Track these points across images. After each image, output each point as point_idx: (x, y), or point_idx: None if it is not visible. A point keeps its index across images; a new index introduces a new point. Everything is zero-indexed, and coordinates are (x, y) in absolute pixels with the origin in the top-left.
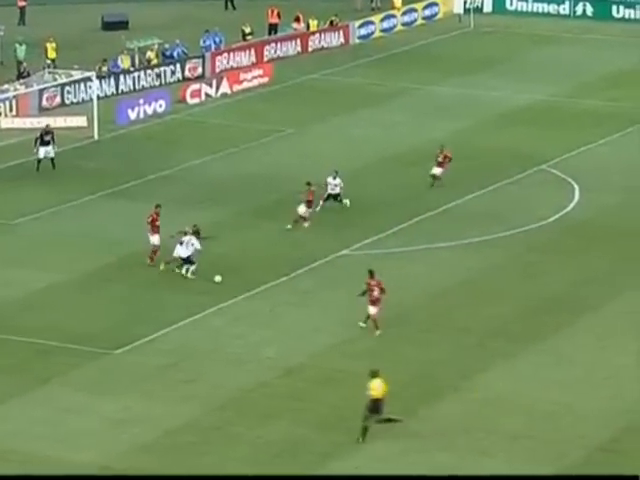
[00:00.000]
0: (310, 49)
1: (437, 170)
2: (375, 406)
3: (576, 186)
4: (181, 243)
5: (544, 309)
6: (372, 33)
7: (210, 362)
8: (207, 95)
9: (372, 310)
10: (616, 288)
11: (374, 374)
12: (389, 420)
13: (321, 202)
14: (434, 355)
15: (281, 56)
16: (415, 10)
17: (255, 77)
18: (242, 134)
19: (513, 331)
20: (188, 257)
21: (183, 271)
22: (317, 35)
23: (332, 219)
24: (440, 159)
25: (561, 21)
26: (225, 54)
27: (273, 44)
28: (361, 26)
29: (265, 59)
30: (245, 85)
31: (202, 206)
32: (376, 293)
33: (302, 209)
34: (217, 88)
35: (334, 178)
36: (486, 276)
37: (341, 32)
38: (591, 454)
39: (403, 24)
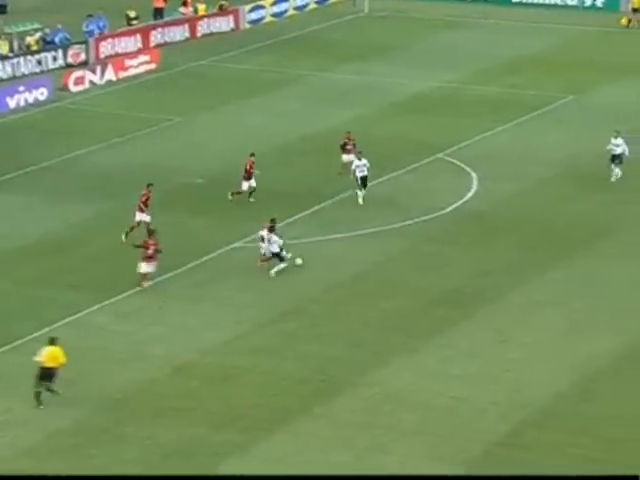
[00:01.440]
0: (199, 34)
1: (345, 157)
2: (44, 374)
3: (474, 175)
4: (262, 240)
5: (443, 302)
6: (263, 18)
7: (96, 361)
8: (91, 82)
9: (144, 268)
10: (514, 279)
11: (52, 341)
12: (52, 391)
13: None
14: (331, 350)
15: (168, 42)
16: None
17: (141, 63)
18: (128, 123)
19: (411, 325)
20: (277, 253)
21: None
22: (206, 20)
23: (224, 210)
24: (349, 146)
25: (458, 6)
26: (110, 40)
27: (160, 29)
28: (251, 10)
29: (152, 45)
30: (131, 72)
31: (87, 198)
32: (150, 251)
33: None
34: (102, 75)
35: (359, 159)
36: (384, 268)
37: (231, 17)
38: (490, 449)
39: (295, 8)
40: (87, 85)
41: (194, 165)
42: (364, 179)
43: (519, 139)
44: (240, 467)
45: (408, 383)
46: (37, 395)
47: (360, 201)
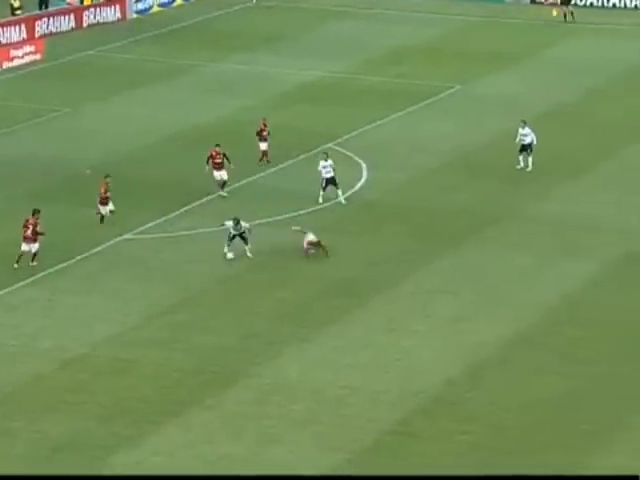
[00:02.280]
0: (85, 24)
1: (263, 145)
2: None
3: (363, 164)
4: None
5: (335, 291)
6: (150, 7)
7: None
8: None
9: (25, 247)
10: (405, 268)
11: None
12: None
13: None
14: (222, 341)
15: (54, 32)
16: None
17: (27, 54)
18: (14, 114)
19: (303, 315)
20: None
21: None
22: (92, 9)
23: (114, 202)
24: (265, 133)
25: None
26: None
27: (45, 19)
28: (138, 0)
29: (37, 35)
30: (16, 62)
31: None
32: (29, 232)
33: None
34: None
35: (326, 160)
36: (274, 258)
37: (117, 6)
38: (381, 437)
39: None
40: None
41: (82, 156)
42: (332, 179)
43: (407, 129)
44: (130, 460)
45: (299, 373)
46: None
47: (342, 200)
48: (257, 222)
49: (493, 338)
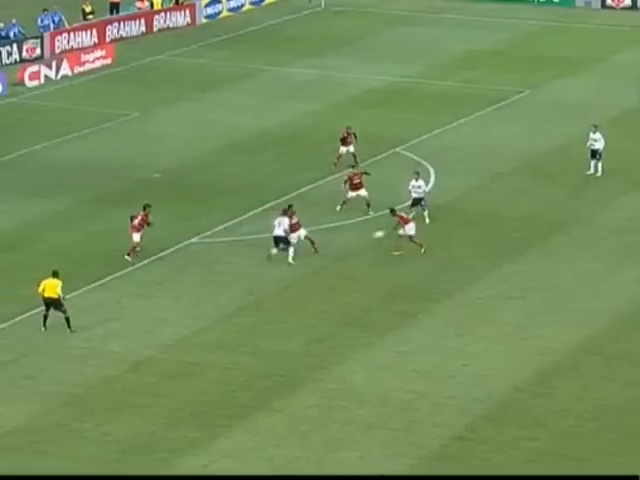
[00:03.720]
0: (155, 29)
1: (343, 149)
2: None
3: (431, 169)
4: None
5: (401, 296)
6: (219, 12)
7: (53, 357)
8: (47, 77)
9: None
10: (472, 274)
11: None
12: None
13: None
14: (288, 346)
15: (124, 36)
16: None
17: (97, 58)
18: (84, 118)
19: (369, 319)
20: (281, 237)
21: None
22: (162, 14)
23: (182, 206)
24: (350, 139)
25: (413, 1)
26: (65, 34)
27: (115, 24)
28: (208, 5)
29: (107, 39)
30: (87, 67)
31: (43, 194)
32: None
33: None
34: (57, 70)
35: (416, 180)
36: (343, 262)
37: (187, 11)
38: (448, 443)
39: (251, 3)
40: (42, 80)
41: (151, 160)
42: (419, 200)
43: (476, 133)
44: (198, 463)
45: (365, 378)
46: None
47: (427, 220)
48: (324, 226)
49: (561, 344)
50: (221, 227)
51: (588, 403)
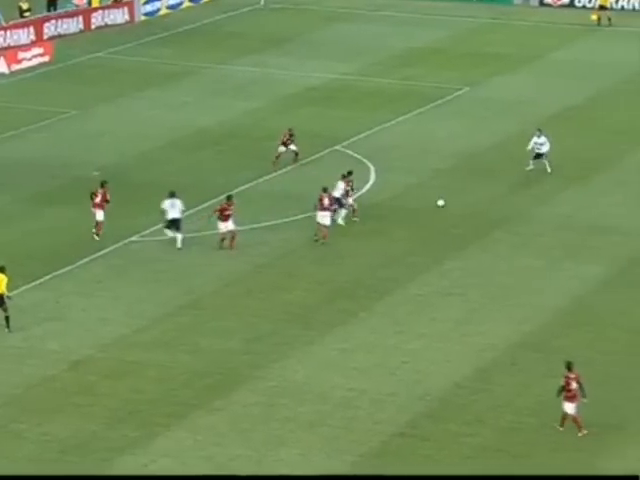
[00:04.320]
0: (93, 26)
1: (282, 148)
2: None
3: (371, 167)
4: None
5: (341, 294)
6: (158, 10)
7: None
8: None
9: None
10: (412, 270)
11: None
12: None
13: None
14: (229, 344)
15: (62, 34)
16: None
17: (35, 56)
18: (22, 116)
19: (310, 317)
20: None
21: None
22: (100, 12)
23: (122, 204)
24: (288, 142)
25: None
26: (1, 32)
27: (53, 21)
28: (147, 2)
29: (45, 37)
30: (24, 65)
31: None
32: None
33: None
34: None
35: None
36: (281, 261)
37: (126, 8)
38: (389, 440)
39: (190, 0)
40: None
41: (90, 158)
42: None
43: (415, 131)
44: (138, 463)
45: (306, 376)
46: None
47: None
48: (264, 224)
49: (501, 341)
50: (161, 225)
51: (527, 399)
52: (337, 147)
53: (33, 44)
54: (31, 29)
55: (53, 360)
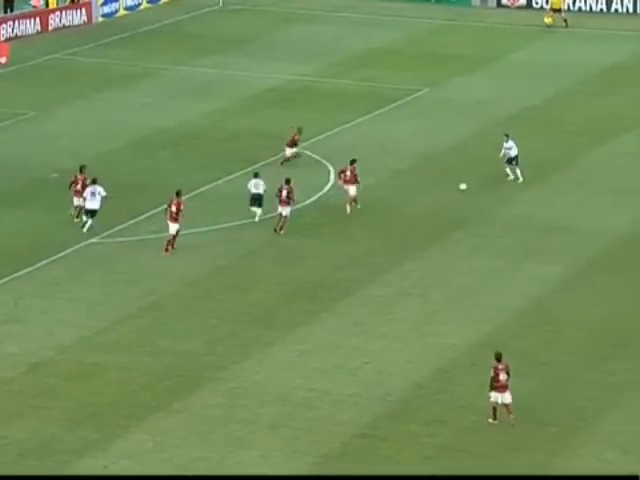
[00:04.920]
0: (51, 27)
1: (289, 151)
2: None
3: (331, 168)
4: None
5: (302, 295)
6: (116, 11)
7: None
8: None
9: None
10: (372, 271)
11: None
12: None
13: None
14: (189, 345)
15: (19, 35)
16: None
17: None
18: None
19: (270, 318)
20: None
21: None
22: (57, 13)
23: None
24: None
25: None
26: None
27: (10, 22)
28: (104, 4)
29: (2, 38)
30: None
31: None
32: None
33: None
34: None
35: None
36: (241, 262)
37: (83, 10)
38: (349, 441)
39: (149, 1)
40: None
41: (49, 159)
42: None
43: (375, 132)
44: (97, 464)
45: (266, 377)
46: None
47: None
48: (223, 226)
49: (461, 341)
50: (119, 227)
51: (487, 399)
52: (296, 148)
53: None
54: None
55: (11, 362)
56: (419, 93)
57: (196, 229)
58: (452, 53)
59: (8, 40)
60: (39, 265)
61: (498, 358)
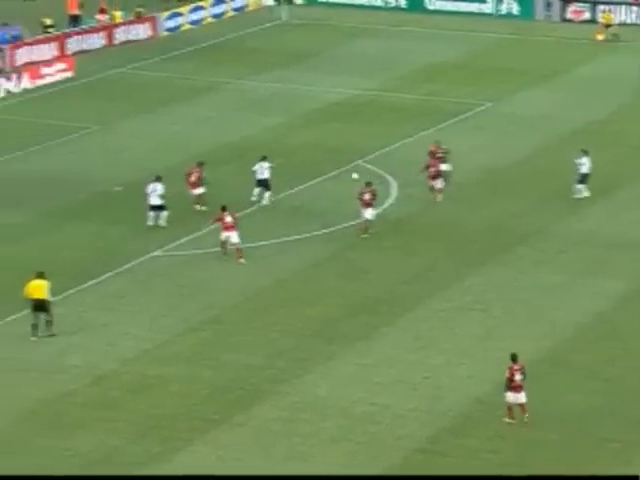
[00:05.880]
0: (116, 42)
1: (444, 166)
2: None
3: (393, 182)
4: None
5: (363, 309)
6: (180, 25)
7: (12, 372)
8: (7, 90)
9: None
10: (434, 286)
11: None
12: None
13: None
14: (249, 358)
15: (85, 49)
16: (224, 1)
17: (58, 71)
18: (45, 131)
19: (332, 332)
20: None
21: None
22: (123, 27)
23: (143, 219)
24: (441, 154)
25: (374, 13)
26: (25, 47)
27: (76, 37)
28: (169, 18)
29: (68, 52)
30: (47, 80)
31: (2, 206)
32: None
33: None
34: (17, 83)
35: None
36: (304, 275)
37: (148, 24)
38: (410, 455)
39: (212, 16)
40: (2, 93)
41: (112, 173)
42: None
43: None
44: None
45: (327, 390)
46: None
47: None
48: (285, 239)
49: (522, 356)
50: (182, 240)
51: (549, 414)
52: (359, 162)
53: (56, 59)
54: (54, 44)
55: (75, 375)
56: (482, 107)
57: (258, 242)
58: (515, 67)
59: (74, 54)
60: (102, 278)
61: (514, 359)
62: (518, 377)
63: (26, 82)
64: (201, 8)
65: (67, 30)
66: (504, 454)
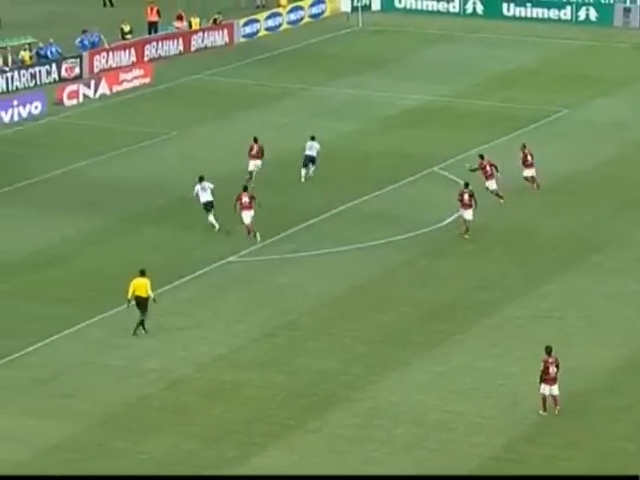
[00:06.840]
0: (193, 48)
1: (528, 172)
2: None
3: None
4: None
5: (438, 315)
6: (257, 32)
7: (91, 375)
8: (85, 96)
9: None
10: (509, 292)
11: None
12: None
13: None
14: (324, 364)
15: (163, 55)
16: (301, 8)
17: (136, 77)
18: (123, 137)
19: (406, 338)
20: None
21: None
22: (200, 34)
23: (220, 224)
24: (529, 160)
25: (451, 19)
26: (104, 53)
27: (154, 43)
28: (245, 24)
29: (146, 59)
30: (125, 86)
31: (83, 211)
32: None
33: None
34: (96, 89)
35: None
36: (379, 281)
37: (225, 31)
38: (485, 463)
39: (289, 22)
40: (81, 99)
41: (189, 179)
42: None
43: (513, 152)
44: None
45: (402, 397)
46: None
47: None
48: (360, 245)
49: (598, 365)
50: (259, 245)
51: (626, 424)
52: (434, 168)
53: (134, 65)
54: (132, 51)
55: (151, 379)
56: (559, 114)
57: (333, 249)
58: (593, 74)
59: (152, 61)
60: (178, 283)
61: (549, 352)
62: (552, 370)
63: (104, 88)
64: (278, 15)
65: (145, 36)
66: (579, 462)
